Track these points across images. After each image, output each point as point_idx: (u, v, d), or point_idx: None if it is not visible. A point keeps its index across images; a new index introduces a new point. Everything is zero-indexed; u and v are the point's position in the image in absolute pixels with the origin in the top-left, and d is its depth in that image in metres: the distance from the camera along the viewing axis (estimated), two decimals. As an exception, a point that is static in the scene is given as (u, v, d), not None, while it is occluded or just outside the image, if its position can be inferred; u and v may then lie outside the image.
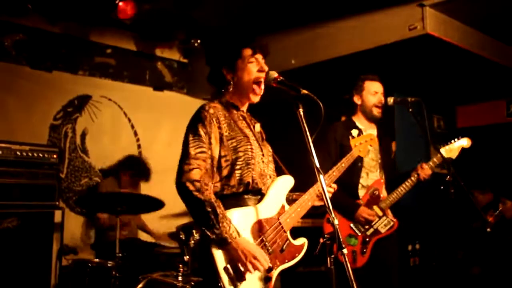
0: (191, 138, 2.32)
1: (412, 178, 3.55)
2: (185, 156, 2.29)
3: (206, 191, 2.23)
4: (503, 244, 5.27)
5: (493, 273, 5.14)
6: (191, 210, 2.29)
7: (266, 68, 2.47)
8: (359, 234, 3.55)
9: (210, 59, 2.60)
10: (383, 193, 3.64)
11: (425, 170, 3.54)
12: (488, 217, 5.20)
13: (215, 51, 2.61)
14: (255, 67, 2.47)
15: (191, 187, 2.22)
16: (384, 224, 3.57)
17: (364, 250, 3.51)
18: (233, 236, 2.21)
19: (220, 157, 2.37)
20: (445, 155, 3.54)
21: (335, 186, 2.67)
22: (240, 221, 2.31)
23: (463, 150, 3.63)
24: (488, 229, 5.42)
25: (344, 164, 2.81)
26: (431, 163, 3.55)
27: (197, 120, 2.35)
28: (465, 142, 3.63)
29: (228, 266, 2.21)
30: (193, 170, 2.24)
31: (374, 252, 3.54)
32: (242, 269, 2.22)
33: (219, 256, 2.22)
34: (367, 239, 3.54)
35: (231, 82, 2.50)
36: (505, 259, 5.18)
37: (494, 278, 5.10)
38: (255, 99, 2.52)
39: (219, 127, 2.37)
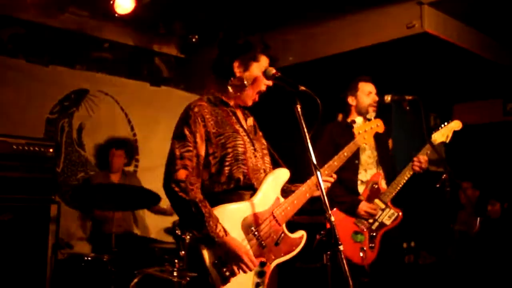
0: (176, 139, 2.33)
1: (409, 168, 3.49)
2: (170, 157, 2.31)
3: (191, 191, 2.23)
4: (489, 243, 5.31)
5: (478, 271, 5.17)
6: (177, 211, 2.32)
7: (270, 84, 2.47)
8: (365, 229, 3.48)
9: (226, 46, 2.51)
10: (383, 186, 3.57)
11: (421, 159, 3.48)
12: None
13: (236, 41, 2.50)
14: (265, 80, 2.46)
15: (176, 188, 2.23)
16: (389, 216, 3.50)
17: (372, 245, 3.45)
18: (220, 235, 2.19)
19: (208, 154, 2.36)
20: (438, 139, 3.51)
21: (335, 176, 2.63)
22: (230, 216, 2.29)
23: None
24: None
25: (346, 153, 2.73)
26: (425, 150, 3.51)
27: (182, 121, 2.36)
28: (456, 124, 3.57)
29: (217, 261, 2.21)
30: (178, 171, 2.25)
31: (383, 246, 3.46)
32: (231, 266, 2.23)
33: (207, 254, 2.22)
34: (374, 234, 3.47)
35: (235, 77, 2.45)
36: (491, 258, 5.21)
37: (479, 277, 5.12)
38: (249, 104, 2.52)
39: (205, 125, 2.35)
